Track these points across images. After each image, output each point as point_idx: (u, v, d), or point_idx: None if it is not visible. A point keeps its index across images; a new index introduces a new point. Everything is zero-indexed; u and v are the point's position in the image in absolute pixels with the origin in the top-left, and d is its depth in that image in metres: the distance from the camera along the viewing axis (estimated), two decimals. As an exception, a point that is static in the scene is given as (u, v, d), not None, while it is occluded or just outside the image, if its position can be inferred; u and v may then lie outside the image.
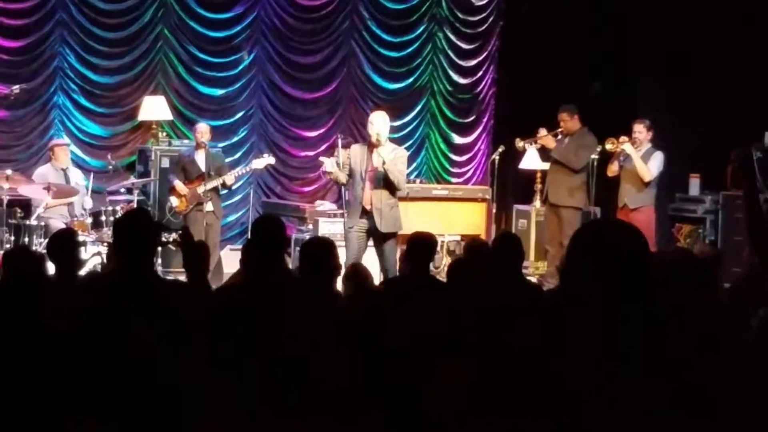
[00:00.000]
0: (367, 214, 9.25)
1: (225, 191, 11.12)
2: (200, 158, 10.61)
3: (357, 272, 6.39)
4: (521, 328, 3.18)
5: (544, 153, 11.40)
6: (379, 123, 9.37)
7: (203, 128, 10.77)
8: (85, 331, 4.31)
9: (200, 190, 10.38)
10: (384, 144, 9.30)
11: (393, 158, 9.30)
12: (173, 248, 10.72)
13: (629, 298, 2.85)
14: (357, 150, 9.55)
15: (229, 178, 10.60)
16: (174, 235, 10.46)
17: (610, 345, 2.83)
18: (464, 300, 5.27)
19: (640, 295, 2.88)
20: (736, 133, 11.75)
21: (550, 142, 10.90)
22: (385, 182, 9.29)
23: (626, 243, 2.95)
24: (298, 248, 10.61)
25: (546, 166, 11.57)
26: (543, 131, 10.93)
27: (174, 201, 10.64)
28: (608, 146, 10.65)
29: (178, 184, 10.61)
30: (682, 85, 12.44)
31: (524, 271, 6.96)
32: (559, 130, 10.94)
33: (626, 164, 10.69)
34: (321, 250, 5.34)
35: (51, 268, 5.58)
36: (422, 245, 6.52)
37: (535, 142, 11.07)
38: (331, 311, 4.84)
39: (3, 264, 5.24)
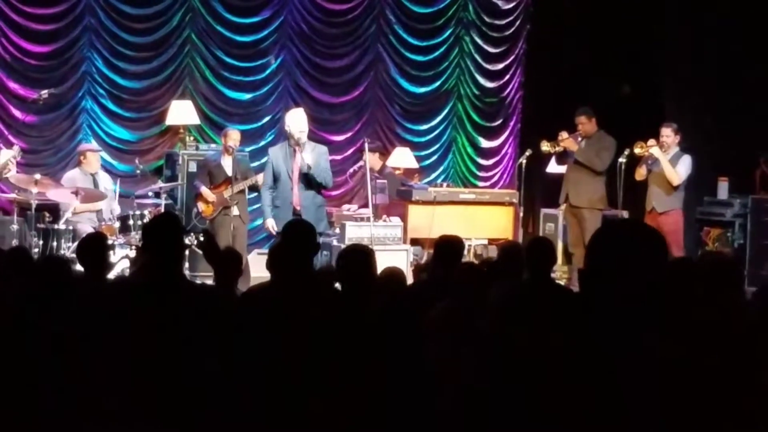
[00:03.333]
0: (296, 215, 9.20)
1: (254, 194, 11.11)
2: (227, 163, 10.60)
3: (392, 278, 6.33)
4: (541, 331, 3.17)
5: (559, 156, 11.37)
6: (300, 122, 9.39)
7: (234, 134, 10.74)
8: (114, 333, 4.33)
9: (227, 194, 10.38)
10: (305, 142, 9.31)
11: (316, 158, 9.35)
12: (199, 251, 10.74)
13: (648, 299, 2.84)
14: (277, 151, 9.54)
15: (261, 178, 10.59)
16: (194, 239, 10.40)
17: (632, 346, 2.82)
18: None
19: (660, 295, 2.87)
20: (765, 137, 11.69)
21: (572, 144, 10.90)
22: (311, 182, 9.32)
23: (644, 244, 2.92)
24: (325, 252, 10.62)
25: (561, 169, 11.53)
26: (564, 134, 10.93)
27: (201, 206, 10.64)
28: (637, 150, 10.61)
29: (205, 190, 10.59)
30: (711, 88, 12.37)
31: (552, 275, 6.94)
32: (578, 132, 10.94)
33: (654, 167, 10.65)
34: (359, 259, 5.29)
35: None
36: (449, 248, 6.49)
37: (558, 145, 11.04)
38: (360, 320, 4.81)
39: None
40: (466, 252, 10.93)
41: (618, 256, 2.88)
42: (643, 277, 2.84)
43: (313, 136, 13.26)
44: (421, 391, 3.99)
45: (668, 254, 2.99)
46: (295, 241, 5.18)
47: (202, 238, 6.09)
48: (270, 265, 5.36)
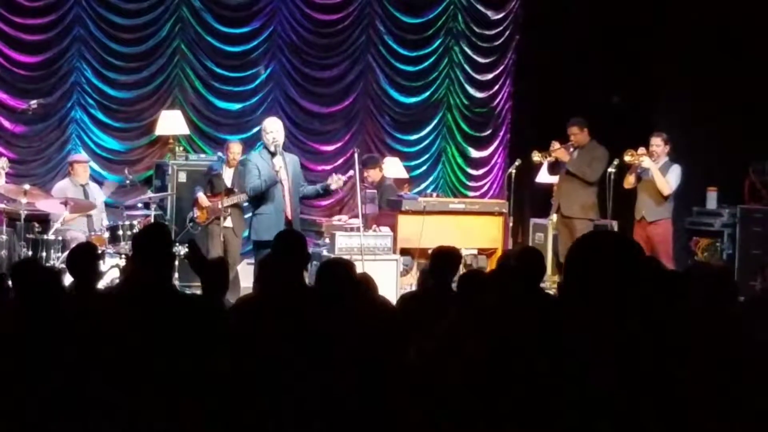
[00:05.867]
0: (288, 224, 9.17)
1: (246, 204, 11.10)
2: (227, 174, 10.67)
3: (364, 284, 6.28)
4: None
5: (551, 166, 11.37)
6: (280, 130, 9.38)
7: (235, 147, 10.81)
8: (105, 343, 4.32)
9: (220, 204, 10.40)
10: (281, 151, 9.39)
11: (294, 166, 9.39)
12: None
13: (626, 309, 2.85)
14: (259, 159, 9.43)
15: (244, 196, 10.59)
16: (182, 249, 10.33)
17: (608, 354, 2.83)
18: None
19: (637, 305, 2.87)
20: (753, 147, 11.72)
21: (564, 155, 10.88)
22: (297, 192, 9.40)
23: (619, 255, 2.92)
24: (315, 263, 10.60)
25: (554, 179, 11.54)
26: (556, 144, 10.91)
27: (196, 211, 10.74)
28: (627, 158, 10.59)
29: (201, 197, 10.69)
30: (701, 98, 12.39)
31: (542, 284, 6.93)
32: (570, 143, 10.93)
33: (644, 176, 10.65)
34: (340, 271, 5.25)
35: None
36: (446, 259, 6.46)
37: (550, 155, 11.04)
38: (349, 329, 4.80)
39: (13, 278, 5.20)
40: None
41: (594, 267, 2.88)
42: (619, 285, 2.85)
43: (302, 146, 13.36)
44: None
45: (659, 262, 3.00)
46: (287, 253, 5.16)
47: (187, 249, 6.07)
48: (258, 275, 5.32)
